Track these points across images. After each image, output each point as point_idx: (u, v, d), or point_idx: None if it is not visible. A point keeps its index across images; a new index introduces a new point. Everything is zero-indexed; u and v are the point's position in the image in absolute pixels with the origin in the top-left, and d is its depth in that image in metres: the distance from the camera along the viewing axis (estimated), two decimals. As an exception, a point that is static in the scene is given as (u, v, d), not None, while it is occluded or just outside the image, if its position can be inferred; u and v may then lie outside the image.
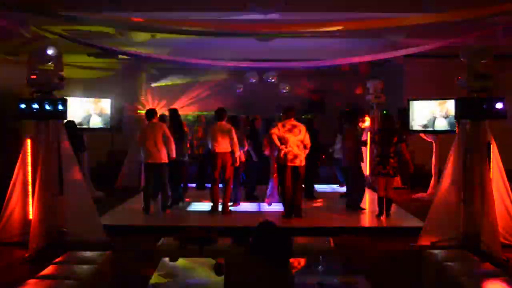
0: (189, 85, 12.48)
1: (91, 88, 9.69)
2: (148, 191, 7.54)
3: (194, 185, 9.57)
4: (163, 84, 12.00)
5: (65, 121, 7.48)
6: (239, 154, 7.50)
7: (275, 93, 12.14)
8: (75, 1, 6.60)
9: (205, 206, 7.92)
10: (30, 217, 5.79)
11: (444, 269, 3.97)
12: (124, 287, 4.60)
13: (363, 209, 7.72)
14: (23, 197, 5.98)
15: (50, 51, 5.78)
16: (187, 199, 8.42)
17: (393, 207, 7.28)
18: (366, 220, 7.43)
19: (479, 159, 5.65)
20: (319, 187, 9.45)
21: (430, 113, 9.15)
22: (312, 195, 8.65)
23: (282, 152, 7.00)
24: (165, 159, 7.31)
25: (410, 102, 9.47)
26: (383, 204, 7.14)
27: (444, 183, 5.81)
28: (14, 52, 8.50)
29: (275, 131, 7.07)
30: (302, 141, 7.02)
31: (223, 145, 7.29)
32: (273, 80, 12.04)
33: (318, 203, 8.44)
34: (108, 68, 10.45)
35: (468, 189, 5.69)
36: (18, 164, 5.98)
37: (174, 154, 7.33)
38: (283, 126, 7.08)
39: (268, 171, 8.02)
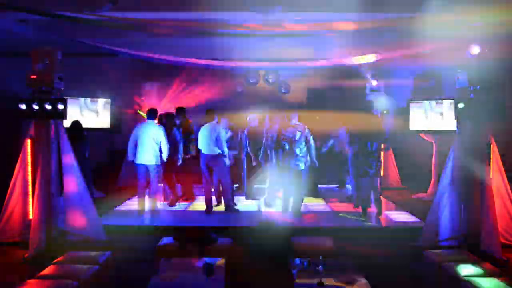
0: (189, 85, 12.44)
1: (91, 88, 9.66)
2: (143, 192, 7.50)
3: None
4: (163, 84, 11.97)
5: (71, 121, 7.50)
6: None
7: (275, 93, 12.12)
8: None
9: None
10: (30, 217, 5.79)
11: (444, 269, 3.97)
12: (124, 287, 4.60)
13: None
14: (23, 197, 5.98)
15: None
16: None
17: (393, 207, 7.26)
18: (366, 220, 7.41)
19: (479, 159, 5.66)
20: (322, 187, 9.44)
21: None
22: (317, 194, 8.66)
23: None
24: (157, 161, 7.28)
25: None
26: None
27: (444, 183, 5.81)
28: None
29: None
30: (299, 142, 6.98)
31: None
32: (273, 80, 12.02)
33: (321, 203, 8.44)
34: (108, 68, 10.42)
35: (468, 189, 5.70)
36: (18, 164, 5.98)
37: (165, 158, 7.32)
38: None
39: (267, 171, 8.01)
